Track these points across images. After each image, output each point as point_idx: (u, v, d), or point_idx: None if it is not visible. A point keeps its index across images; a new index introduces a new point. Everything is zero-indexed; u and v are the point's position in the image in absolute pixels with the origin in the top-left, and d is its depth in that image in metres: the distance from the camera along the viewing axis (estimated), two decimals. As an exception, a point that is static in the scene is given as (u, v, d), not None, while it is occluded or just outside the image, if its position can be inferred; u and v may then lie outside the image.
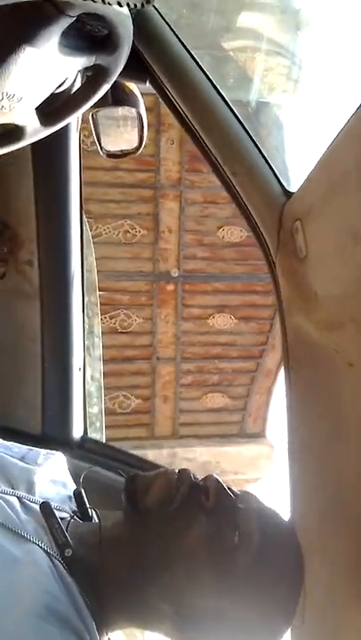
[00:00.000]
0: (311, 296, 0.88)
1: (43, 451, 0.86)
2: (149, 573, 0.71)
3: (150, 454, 4.68)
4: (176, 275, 4.72)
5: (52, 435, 1.15)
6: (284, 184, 1.00)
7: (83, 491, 0.82)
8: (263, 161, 1.02)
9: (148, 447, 4.76)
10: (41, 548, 0.66)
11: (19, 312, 1.23)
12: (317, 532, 1.01)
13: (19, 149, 0.88)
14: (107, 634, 0.70)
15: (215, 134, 1.03)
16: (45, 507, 0.71)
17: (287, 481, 1.05)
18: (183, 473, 0.75)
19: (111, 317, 4.67)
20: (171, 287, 4.75)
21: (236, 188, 1.02)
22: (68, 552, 0.67)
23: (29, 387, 1.20)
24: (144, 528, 0.72)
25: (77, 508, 0.80)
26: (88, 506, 0.80)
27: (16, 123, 0.80)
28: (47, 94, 0.84)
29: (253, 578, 0.71)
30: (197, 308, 4.83)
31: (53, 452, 0.92)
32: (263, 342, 4.89)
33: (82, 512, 0.79)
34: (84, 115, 1.13)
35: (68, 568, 0.66)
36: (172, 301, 4.78)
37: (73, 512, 0.78)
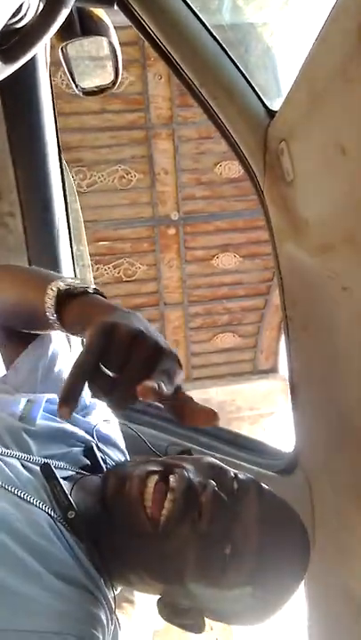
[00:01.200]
0: (302, 222, 0.84)
1: (45, 399, 0.77)
2: (138, 563, 0.70)
3: (166, 398, 4.76)
4: (176, 217, 4.62)
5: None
6: (268, 104, 0.94)
7: (94, 445, 0.79)
8: (244, 81, 0.94)
9: (164, 390, 4.83)
10: (42, 510, 0.64)
11: (3, 264, 1.20)
12: (323, 458, 1.01)
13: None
14: (115, 588, 0.70)
15: (191, 56, 0.96)
16: (46, 468, 0.69)
17: (291, 414, 1.05)
18: (180, 474, 0.67)
19: (115, 267, 4.63)
20: (172, 231, 4.67)
21: (218, 113, 0.96)
22: (71, 514, 0.65)
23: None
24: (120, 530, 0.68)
25: (89, 461, 0.77)
26: (99, 458, 0.78)
27: (-29, 60, 0.74)
28: (0, 27, 0.77)
29: (250, 584, 0.68)
30: (200, 249, 4.75)
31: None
32: (269, 278, 4.84)
33: (93, 466, 0.77)
34: (53, 55, 1.06)
35: (72, 529, 0.65)
36: (175, 245, 4.71)
37: (83, 467, 0.76)
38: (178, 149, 4.46)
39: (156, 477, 0.67)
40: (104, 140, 4.34)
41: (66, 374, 0.77)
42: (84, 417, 0.83)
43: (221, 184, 4.58)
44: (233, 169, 4.53)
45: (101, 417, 0.85)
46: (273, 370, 5.08)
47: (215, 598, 0.70)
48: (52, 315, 0.66)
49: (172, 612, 0.72)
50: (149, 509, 0.65)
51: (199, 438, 1.19)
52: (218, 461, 0.75)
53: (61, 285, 0.66)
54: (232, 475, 0.71)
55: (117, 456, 0.84)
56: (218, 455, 1.10)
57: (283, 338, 4.74)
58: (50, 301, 0.65)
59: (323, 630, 1.03)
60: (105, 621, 0.63)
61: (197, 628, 0.73)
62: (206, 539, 0.66)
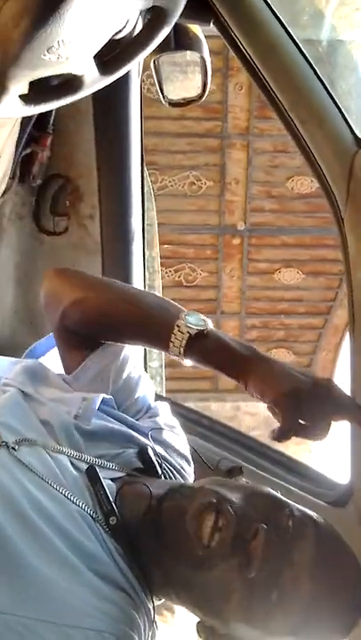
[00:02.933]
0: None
1: (100, 398, 0.78)
2: (182, 587, 0.68)
3: (214, 407, 4.74)
4: (242, 228, 4.61)
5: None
6: (357, 132, 0.93)
7: (149, 448, 0.78)
8: (335, 107, 0.94)
9: (212, 400, 4.82)
10: (85, 511, 0.65)
11: (81, 267, 1.24)
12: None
13: (78, 101, 0.85)
14: (153, 600, 0.69)
15: (283, 78, 0.97)
16: (91, 471, 0.69)
17: (349, 443, 1.02)
18: (225, 512, 0.63)
19: (176, 271, 4.67)
20: (237, 241, 4.66)
21: (304, 137, 0.95)
22: (113, 520, 0.65)
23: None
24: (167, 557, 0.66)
25: (142, 464, 0.77)
26: (154, 461, 0.77)
27: (73, 72, 0.78)
28: (105, 40, 0.80)
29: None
30: (264, 262, 4.72)
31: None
32: (331, 298, 4.74)
33: (147, 468, 0.76)
34: (146, 61, 1.09)
35: (113, 535, 0.65)
36: (238, 255, 4.70)
37: (135, 469, 0.76)
38: (251, 161, 4.45)
39: (213, 514, 0.64)
40: (179, 146, 4.39)
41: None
42: (148, 418, 0.83)
43: (292, 199, 4.53)
44: (305, 184, 4.47)
45: (164, 422, 0.85)
46: (326, 392, 4.96)
47: (255, 639, 0.67)
48: (178, 352, 0.74)
49: (210, 635, 0.69)
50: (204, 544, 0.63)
51: (250, 456, 1.18)
52: (274, 493, 0.71)
53: (190, 327, 0.74)
54: (288, 511, 0.67)
55: (179, 462, 0.83)
56: (267, 476, 1.10)
57: (339, 360, 4.57)
58: (178, 342, 0.73)
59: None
60: (142, 626, 0.63)
61: None
62: (254, 582, 0.62)
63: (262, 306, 4.85)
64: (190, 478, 0.84)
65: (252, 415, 4.79)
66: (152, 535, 0.67)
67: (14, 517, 0.59)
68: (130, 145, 1.24)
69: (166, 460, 0.80)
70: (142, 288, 1.30)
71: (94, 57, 0.78)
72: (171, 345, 0.74)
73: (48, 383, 0.82)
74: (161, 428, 0.83)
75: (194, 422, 1.20)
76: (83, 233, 1.24)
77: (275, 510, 0.66)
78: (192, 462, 0.86)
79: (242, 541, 0.62)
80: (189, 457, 0.85)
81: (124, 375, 0.84)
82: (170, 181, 4.47)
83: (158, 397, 1.35)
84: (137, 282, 1.28)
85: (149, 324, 0.78)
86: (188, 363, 0.76)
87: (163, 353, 1.47)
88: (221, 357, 0.74)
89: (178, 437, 0.86)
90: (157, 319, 0.77)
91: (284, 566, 0.63)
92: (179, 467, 0.83)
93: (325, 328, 4.85)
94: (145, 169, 1.32)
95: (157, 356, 1.39)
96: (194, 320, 0.74)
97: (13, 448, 0.66)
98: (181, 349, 0.73)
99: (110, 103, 1.22)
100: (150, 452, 0.77)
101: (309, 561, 0.64)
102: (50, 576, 0.58)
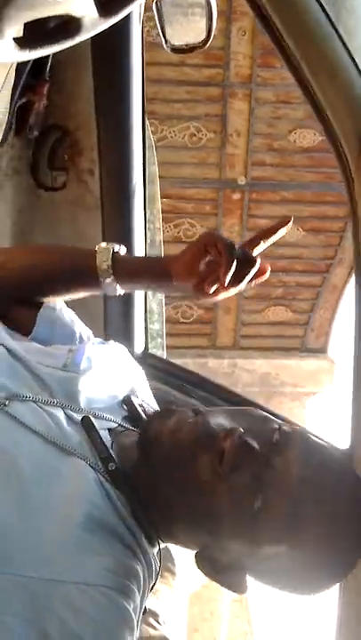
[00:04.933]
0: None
1: (88, 347, 0.83)
2: (174, 516, 0.69)
3: (211, 363, 4.78)
4: (243, 182, 4.50)
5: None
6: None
7: (131, 397, 0.80)
8: (349, 58, 0.89)
9: (210, 356, 4.85)
10: (85, 461, 0.65)
11: (80, 224, 1.21)
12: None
13: (77, 46, 0.80)
14: (159, 544, 0.70)
15: (294, 24, 0.90)
16: (86, 420, 0.69)
17: (350, 403, 1.01)
18: (200, 417, 0.68)
19: (175, 226, 4.60)
20: (237, 196, 4.57)
21: (314, 88, 0.90)
22: (112, 466, 0.66)
23: (92, 301, 1.21)
24: (157, 476, 0.68)
25: (129, 413, 0.78)
26: (139, 411, 0.78)
27: (72, 13, 0.72)
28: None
29: (289, 542, 0.64)
30: (264, 218, 4.63)
31: (102, 341, 0.92)
32: (331, 256, 4.69)
33: (132, 416, 0.78)
34: (147, 2, 1.02)
35: (113, 481, 0.66)
36: (238, 211, 4.61)
37: (123, 418, 0.77)
38: (253, 111, 4.30)
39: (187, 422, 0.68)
40: (179, 95, 4.23)
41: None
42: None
43: (294, 152, 4.41)
44: (308, 138, 4.34)
45: (134, 375, 0.88)
46: (322, 350, 4.98)
47: (251, 555, 0.67)
48: (108, 274, 0.82)
49: (211, 566, 0.70)
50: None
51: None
52: (263, 412, 0.72)
53: (107, 246, 0.83)
54: (275, 426, 0.68)
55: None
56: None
57: (336, 319, 4.58)
58: (104, 264, 0.82)
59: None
60: (141, 575, 0.63)
61: (239, 587, 0.70)
62: (236, 490, 0.63)
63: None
64: None
65: (249, 372, 4.83)
66: (147, 469, 0.68)
67: (9, 474, 0.59)
68: (131, 93, 1.18)
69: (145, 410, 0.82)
70: (143, 245, 1.27)
71: (94, -3, 0.72)
72: (98, 269, 0.82)
73: (24, 339, 0.83)
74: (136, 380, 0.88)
75: (192, 384, 1.19)
76: (82, 189, 1.19)
77: (261, 423, 0.68)
78: None
79: (210, 442, 0.65)
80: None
81: (68, 323, 0.90)
82: (170, 132, 4.34)
83: (158, 359, 1.35)
84: (138, 238, 1.24)
85: (73, 259, 0.87)
86: (119, 290, 0.84)
87: (163, 314, 1.47)
88: (146, 264, 0.88)
89: (147, 389, 0.91)
90: (77, 252, 0.88)
91: (266, 472, 0.63)
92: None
93: (324, 286, 4.82)
94: (147, 122, 1.26)
95: (158, 318, 1.37)
96: (106, 244, 0.84)
97: (4, 404, 0.66)
98: (110, 270, 0.81)
99: (110, 48, 1.15)
100: (134, 400, 0.80)
101: (294, 468, 0.64)
102: (47, 533, 0.58)
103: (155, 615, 0.78)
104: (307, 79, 0.90)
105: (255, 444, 0.64)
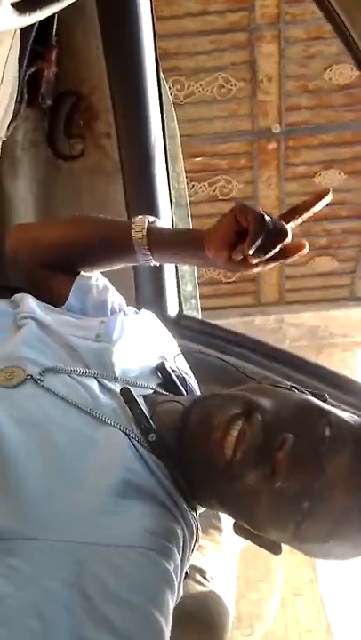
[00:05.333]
0: None
1: (120, 318, 0.83)
2: (213, 496, 0.69)
3: (258, 320, 4.73)
4: (278, 130, 4.31)
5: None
6: None
7: (165, 363, 0.80)
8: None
9: (256, 314, 4.79)
10: (121, 430, 0.65)
11: (101, 190, 1.19)
12: None
13: (82, 7, 0.77)
14: (200, 508, 0.71)
15: None
16: (125, 391, 0.69)
17: None
18: (252, 422, 0.63)
19: (210, 184, 4.49)
20: (272, 145, 4.39)
21: (345, 22, 0.83)
22: (152, 437, 0.66)
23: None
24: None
25: (163, 377, 0.78)
26: (173, 377, 0.79)
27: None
28: None
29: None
30: (302, 165, 4.45)
31: (136, 311, 0.93)
32: (377, 198, 4.48)
33: (167, 382, 0.78)
34: None
35: (153, 450, 0.66)
36: (275, 161, 4.44)
37: (158, 384, 0.77)
38: (284, 53, 4.07)
39: (239, 424, 0.64)
40: (203, 46, 4.05)
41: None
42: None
43: (330, 92, 4.17)
44: (345, 74, 4.08)
45: (166, 342, 0.88)
46: (371, 297, 4.83)
47: (291, 543, 0.68)
48: (143, 244, 0.82)
49: (248, 533, 0.71)
50: (227, 455, 0.64)
51: (289, 372, 1.17)
52: (312, 400, 0.69)
53: (143, 218, 0.84)
54: (325, 421, 0.65)
55: (187, 374, 0.86)
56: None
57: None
58: (139, 234, 0.82)
59: None
60: (181, 536, 0.64)
61: (275, 548, 0.72)
62: (282, 492, 0.62)
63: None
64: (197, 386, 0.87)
65: (297, 326, 4.75)
66: (186, 448, 0.67)
67: (45, 446, 0.60)
68: (142, 49, 1.13)
69: (177, 372, 0.82)
70: (168, 205, 1.24)
71: None
72: (134, 239, 0.82)
73: (57, 311, 0.83)
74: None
75: (230, 342, 1.18)
76: (100, 154, 1.17)
77: (310, 419, 0.65)
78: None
79: (268, 451, 0.62)
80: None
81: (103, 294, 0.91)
82: (197, 87, 4.19)
83: (193, 320, 1.34)
84: (162, 199, 1.21)
85: (109, 231, 0.88)
86: (153, 261, 0.85)
87: (195, 275, 1.45)
88: (180, 236, 0.87)
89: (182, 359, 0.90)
90: (113, 224, 0.89)
91: (316, 477, 0.62)
92: (190, 377, 0.85)
93: (371, 231, 4.63)
94: (162, 75, 1.21)
95: (190, 279, 1.35)
96: (141, 216, 0.85)
97: (40, 379, 0.66)
98: (145, 241, 0.82)
99: (117, 3, 1.10)
100: (167, 366, 0.79)
101: (344, 474, 0.62)
102: (83, 500, 0.58)
103: (201, 572, 0.80)
104: (336, 13, 0.84)
105: (309, 450, 0.62)
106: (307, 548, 0.69)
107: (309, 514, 0.62)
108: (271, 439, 0.62)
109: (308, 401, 0.68)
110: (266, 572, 3.01)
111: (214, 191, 4.50)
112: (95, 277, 0.91)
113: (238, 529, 0.72)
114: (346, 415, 0.68)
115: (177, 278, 1.30)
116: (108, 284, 0.94)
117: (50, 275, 0.89)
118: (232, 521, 0.74)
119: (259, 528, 0.68)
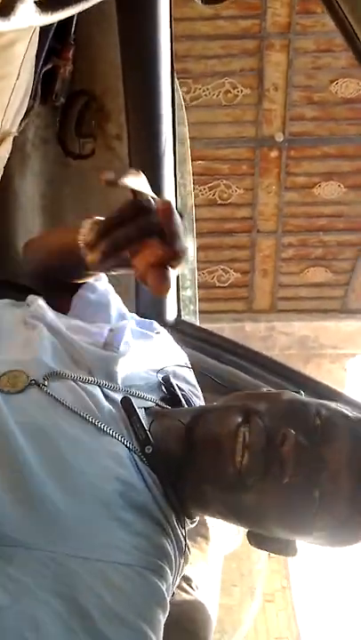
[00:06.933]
0: None
1: (129, 326, 0.83)
2: (222, 508, 0.70)
3: (248, 327, 4.74)
4: (281, 139, 4.34)
5: (146, 318, 1.16)
6: None
7: (170, 376, 0.80)
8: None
9: (246, 320, 4.81)
10: (120, 441, 0.65)
11: (110, 192, 1.18)
12: None
13: (101, 7, 0.77)
14: (189, 524, 0.72)
15: None
16: (126, 401, 0.69)
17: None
18: (254, 427, 0.65)
19: (210, 188, 4.50)
20: (274, 154, 4.41)
21: (358, 34, 0.84)
22: (149, 449, 0.66)
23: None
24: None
25: (166, 392, 0.78)
26: (177, 392, 0.78)
27: (90, -27, 0.69)
28: None
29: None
30: (303, 176, 4.48)
31: (145, 321, 0.93)
32: (374, 214, 4.51)
33: (171, 397, 0.78)
34: None
35: (149, 463, 0.66)
36: (276, 169, 4.46)
37: (161, 398, 0.76)
38: (292, 63, 4.10)
39: (243, 432, 0.65)
40: (213, 50, 4.07)
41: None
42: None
43: (335, 104, 4.20)
44: (351, 87, 4.12)
45: (176, 358, 0.88)
46: (363, 311, 4.87)
47: (301, 537, 0.70)
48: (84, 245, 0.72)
49: (261, 540, 0.73)
50: (238, 463, 0.64)
51: (281, 383, 1.17)
52: (296, 396, 0.71)
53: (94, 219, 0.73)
54: (314, 411, 0.67)
55: (193, 387, 0.86)
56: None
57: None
58: (83, 233, 0.73)
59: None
60: (172, 555, 0.65)
61: (291, 550, 0.73)
62: (292, 488, 0.64)
63: (300, 222, 4.66)
64: (202, 401, 0.87)
65: (287, 335, 4.77)
66: (188, 463, 0.68)
67: (46, 454, 0.60)
68: (159, 52, 1.13)
69: (183, 390, 0.82)
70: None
71: None
72: (81, 245, 0.72)
73: (66, 316, 0.84)
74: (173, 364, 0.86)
75: (225, 350, 1.18)
76: (110, 155, 1.17)
77: (301, 413, 0.67)
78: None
79: (274, 449, 0.64)
80: (199, 388, 0.88)
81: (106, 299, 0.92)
82: (204, 90, 4.20)
83: (191, 326, 1.34)
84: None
85: (64, 238, 0.82)
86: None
87: (195, 280, 1.45)
88: None
89: (189, 370, 0.90)
90: (67, 231, 0.82)
91: (319, 467, 0.64)
92: (196, 392, 0.85)
93: (366, 245, 4.66)
94: (176, 82, 1.22)
95: (190, 285, 1.36)
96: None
97: (44, 384, 0.66)
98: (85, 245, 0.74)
99: (136, 5, 1.10)
100: (172, 381, 0.79)
101: (345, 458, 0.64)
102: (80, 512, 0.59)
103: (188, 580, 0.80)
104: (349, 24, 0.84)
105: (307, 443, 0.64)
106: (324, 537, 0.69)
107: (322, 501, 0.64)
108: (273, 438, 0.64)
109: (295, 397, 0.71)
110: (240, 578, 3.02)
111: (213, 195, 4.51)
112: (97, 284, 0.92)
113: (252, 538, 0.73)
114: (327, 402, 0.71)
115: (177, 283, 1.30)
116: (112, 291, 0.94)
117: (55, 287, 0.91)
118: (220, 529, 0.74)
119: (276, 530, 0.69)
